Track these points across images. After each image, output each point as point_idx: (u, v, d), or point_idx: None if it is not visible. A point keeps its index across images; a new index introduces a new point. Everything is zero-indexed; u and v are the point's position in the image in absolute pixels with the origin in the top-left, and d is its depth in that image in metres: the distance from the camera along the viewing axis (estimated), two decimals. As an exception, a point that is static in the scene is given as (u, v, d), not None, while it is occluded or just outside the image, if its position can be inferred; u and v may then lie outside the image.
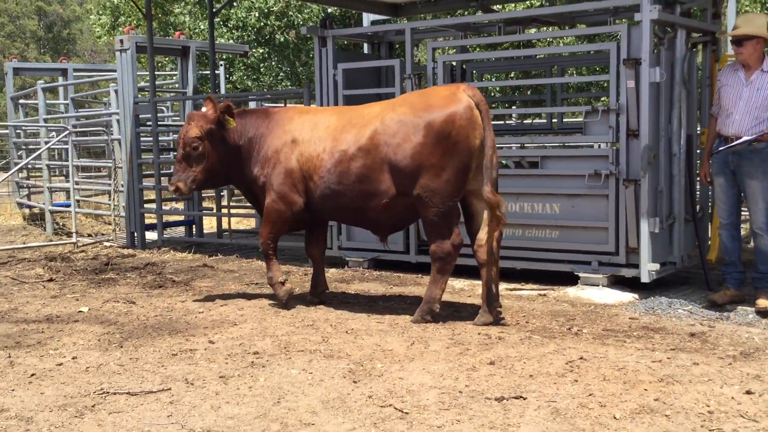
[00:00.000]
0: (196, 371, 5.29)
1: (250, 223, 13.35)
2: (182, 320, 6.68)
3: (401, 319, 6.70)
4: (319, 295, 7.45)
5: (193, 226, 11.39)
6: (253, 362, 5.47)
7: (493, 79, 12.80)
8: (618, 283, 7.75)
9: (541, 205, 7.98)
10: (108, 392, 4.88)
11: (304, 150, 7.00)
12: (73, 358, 5.61)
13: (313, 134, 7.01)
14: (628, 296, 7.49)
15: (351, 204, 6.88)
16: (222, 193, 11.13)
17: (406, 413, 4.54)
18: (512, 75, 15.90)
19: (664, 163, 7.59)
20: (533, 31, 10.04)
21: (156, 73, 11.98)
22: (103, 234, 12.26)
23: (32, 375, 5.24)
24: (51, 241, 11.28)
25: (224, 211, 11.03)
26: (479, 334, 6.21)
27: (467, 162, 6.50)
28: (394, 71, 8.71)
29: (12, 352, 5.78)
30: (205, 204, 13.52)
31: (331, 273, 8.87)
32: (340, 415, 4.52)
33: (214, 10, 11.99)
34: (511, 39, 9.09)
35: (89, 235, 11.85)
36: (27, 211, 14.76)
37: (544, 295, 7.67)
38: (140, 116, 10.61)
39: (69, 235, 11.34)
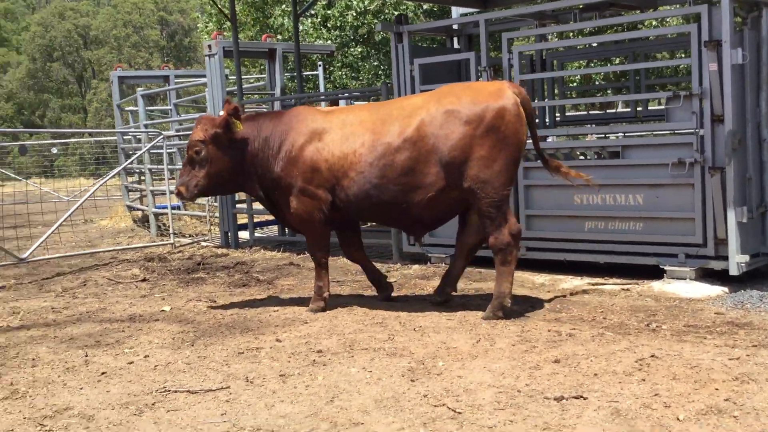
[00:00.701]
0: (257, 370, 5.36)
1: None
2: (256, 319, 6.80)
3: (472, 316, 6.61)
4: (384, 291, 7.46)
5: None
6: (314, 361, 5.50)
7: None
8: (707, 276, 7.41)
9: (623, 196, 7.71)
10: (169, 390, 5.01)
11: (334, 149, 6.83)
12: (144, 357, 5.79)
13: (343, 131, 6.88)
14: (717, 290, 7.15)
15: (393, 199, 6.74)
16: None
17: (459, 413, 4.47)
18: (593, 63, 15.41)
19: (753, 149, 7.21)
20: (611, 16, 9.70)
21: (248, 76, 12.22)
22: (203, 234, 12.63)
23: (103, 373, 5.44)
24: (153, 242, 11.70)
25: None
26: (549, 331, 6.05)
27: (516, 155, 6.63)
28: (470, 65, 8.59)
29: (90, 351, 6.02)
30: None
31: (412, 270, 8.86)
32: (391, 414, 4.49)
33: (298, 11, 12.14)
34: (589, 25, 8.78)
35: (190, 236, 12.22)
36: (138, 213, 15.35)
37: (627, 289, 7.41)
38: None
39: (174, 235, 11.73)
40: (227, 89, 11.35)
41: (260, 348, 5.87)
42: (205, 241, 11.75)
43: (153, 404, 4.79)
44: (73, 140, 27.05)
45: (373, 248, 10.38)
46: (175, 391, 4.99)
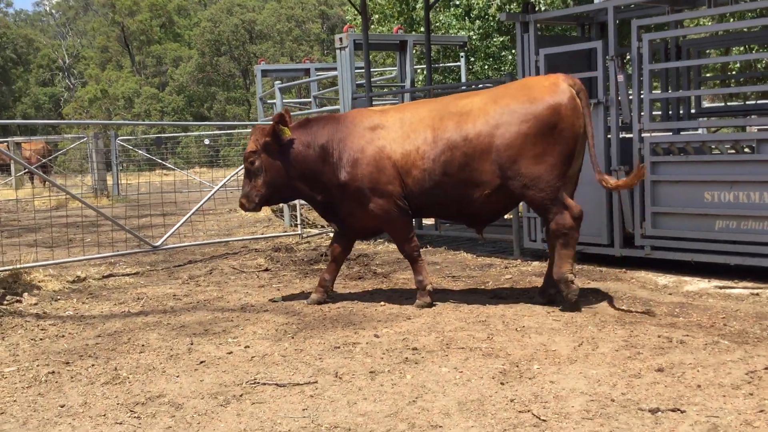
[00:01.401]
0: (349, 365, 5.34)
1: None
2: (360, 313, 6.79)
3: (580, 317, 6.34)
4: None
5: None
6: (407, 358, 5.43)
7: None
8: None
9: (758, 194, 7.14)
10: (259, 382, 5.06)
11: (396, 147, 6.80)
12: (245, 347, 5.89)
13: (402, 129, 6.85)
14: None
15: (454, 196, 6.77)
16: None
17: (543, 420, 4.28)
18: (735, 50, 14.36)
19: None
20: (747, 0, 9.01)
21: (382, 69, 12.23)
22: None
23: (201, 362, 5.57)
24: (285, 232, 11.94)
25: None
26: (659, 336, 5.70)
27: (572, 149, 6.64)
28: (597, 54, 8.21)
29: (196, 339, 6.18)
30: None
31: (531, 266, 8.61)
32: (472, 418, 4.35)
33: (430, 2, 12.02)
34: (727, 10, 8.19)
35: (321, 227, 12.40)
36: (278, 203, 15.67)
37: (757, 294, 6.88)
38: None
39: (302, 226, 11.93)
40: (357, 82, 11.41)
41: (357, 343, 5.85)
42: (333, 232, 11.84)
43: (240, 396, 4.85)
44: (235, 131, 28.09)
45: (494, 243, 10.20)
46: (264, 384, 5.04)
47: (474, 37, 17.71)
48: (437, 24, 18.01)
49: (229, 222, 14.63)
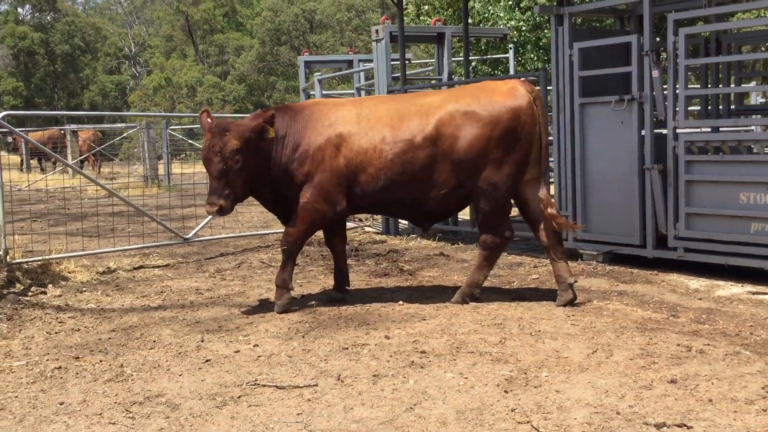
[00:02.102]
0: (353, 368, 5.23)
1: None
2: (376, 312, 6.67)
3: (600, 322, 6.13)
4: (342, 291, 7.32)
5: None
6: (413, 362, 5.30)
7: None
8: None
9: (796, 195, 6.82)
10: (259, 384, 4.99)
11: (352, 143, 6.70)
12: (253, 346, 5.83)
13: (360, 126, 6.73)
14: None
15: (410, 195, 6.76)
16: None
17: (541, 432, 4.12)
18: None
19: None
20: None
21: (424, 60, 12.04)
22: (371, 219, 12.65)
23: (207, 361, 5.52)
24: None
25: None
26: (678, 345, 5.47)
27: (528, 156, 6.73)
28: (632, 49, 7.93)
29: (207, 336, 6.14)
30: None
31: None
32: (468, 428, 4.22)
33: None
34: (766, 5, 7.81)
35: (359, 220, 12.31)
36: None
37: (792, 301, 6.58)
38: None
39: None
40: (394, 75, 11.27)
41: (366, 344, 5.74)
42: (368, 226, 11.79)
43: (238, 397, 4.78)
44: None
45: (527, 241, 9.99)
46: (264, 386, 4.96)
47: (524, 28, 17.38)
48: (485, 15, 17.71)
49: (268, 214, 14.61)
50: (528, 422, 4.26)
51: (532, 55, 17.64)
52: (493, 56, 17.46)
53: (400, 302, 6.98)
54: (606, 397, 4.58)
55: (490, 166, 6.59)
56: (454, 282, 7.82)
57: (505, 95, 6.64)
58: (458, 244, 10.09)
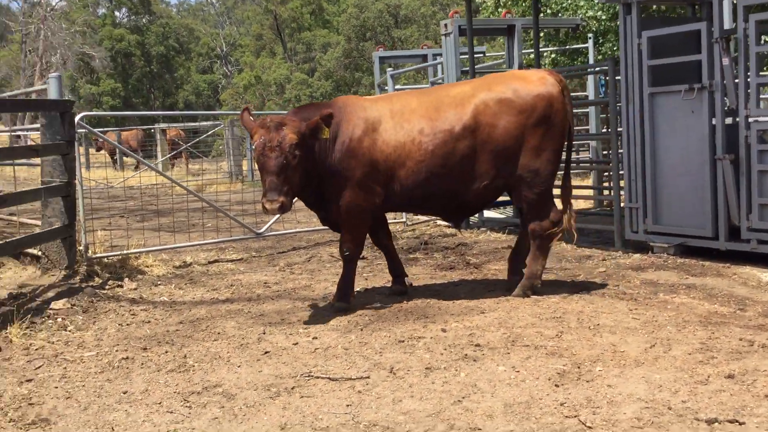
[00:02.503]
0: (406, 360, 5.28)
1: (577, 204, 12.79)
2: (436, 306, 6.69)
3: (663, 316, 6.01)
4: (401, 283, 7.28)
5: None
6: (466, 355, 5.31)
7: None
8: None
9: None
10: (312, 376, 5.08)
11: (389, 137, 6.57)
12: (312, 339, 5.93)
13: (395, 120, 6.62)
14: None
15: (451, 187, 6.67)
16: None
17: (589, 427, 4.11)
18: None
19: None
20: None
21: (491, 53, 11.96)
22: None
23: (266, 353, 5.64)
24: (394, 219, 11.91)
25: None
26: (740, 339, 5.33)
27: (563, 144, 6.82)
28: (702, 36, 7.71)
29: (269, 328, 6.27)
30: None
31: (630, 259, 8.25)
32: (514, 421, 4.22)
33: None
34: None
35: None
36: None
37: None
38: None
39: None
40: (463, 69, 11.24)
41: (421, 337, 5.77)
42: (440, 220, 11.78)
43: (292, 389, 4.89)
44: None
45: (599, 233, 9.85)
46: (317, 377, 5.05)
47: (603, 18, 17.05)
48: (563, 5, 17.45)
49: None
50: (576, 416, 4.24)
51: (611, 44, 17.30)
52: (572, 47, 17.21)
53: (462, 295, 6.98)
54: (659, 392, 4.51)
55: (528, 154, 6.60)
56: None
57: (536, 83, 6.66)
58: (528, 237, 10.00)
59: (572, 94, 18.50)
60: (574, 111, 16.66)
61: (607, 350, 5.27)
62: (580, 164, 13.76)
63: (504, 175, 6.69)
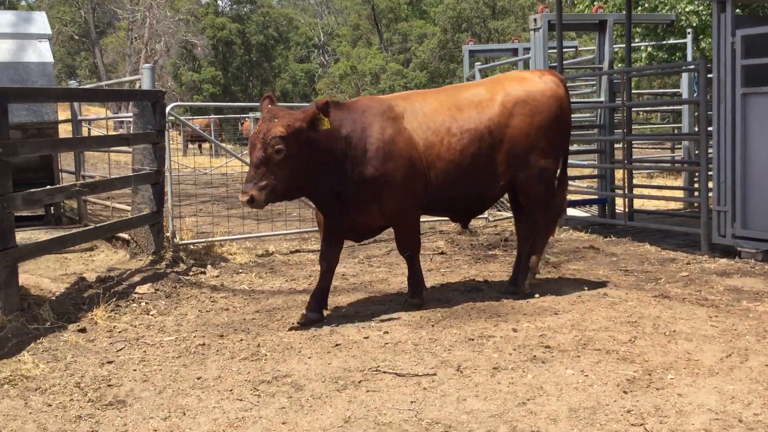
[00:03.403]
0: (474, 359, 5.27)
1: (659, 204, 12.51)
2: (509, 305, 6.65)
3: (743, 325, 5.83)
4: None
5: (605, 205, 11.07)
6: (535, 356, 5.27)
7: None
8: None
9: None
10: (380, 370, 5.13)
11: (418, 138, 6.40)
12: (383, 333, 5.97)
13: (419, 120, 6.45)
14: None
15: (473, 189, 6.65)
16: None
17: (654, 436, 4.03)
18: None
19: None
20: None
21: (583, 48, 11.77)
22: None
23: (336, 345, 5.72)
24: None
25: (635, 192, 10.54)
26: (826, 352, 5.13)
27: (568, 141, 7.11)
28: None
29: (342, 321, 6.35)
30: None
31: (716, 264, 8.02)
32: (578, 427, 4.18)
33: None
34: None
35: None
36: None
37: None
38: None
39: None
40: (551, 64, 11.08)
41: (491, 336, 5.75)
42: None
43: (359, 382, 4.94)
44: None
45: (685, 236, 9.60)
46: (384, 372, 5.09)
47: (703, 13, 16.53)
48: (663, 0, 16.98)
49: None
50: (642, 425, 4.17)
51: (710, 40, 16.75)
52: (669, 42, 16.75)
53: (536, 295, 6.91)
54: (731, 403, 4.39)
55: (541, 153, 6.70)
56: (598, 276, 7.66)
57: (547, 83, 6.79)
58: (610, 237, 9.82)
59: (666, 91, 18.13)
60: (666, 109, 16.39)
61: (681, 358, 5.15)
62: (662, 163, 13.43)
63: (516, 174, 6.70)
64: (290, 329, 6.15)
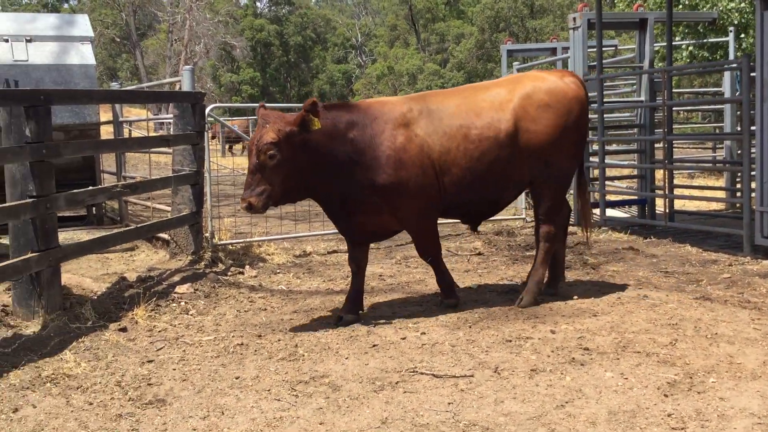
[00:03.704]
0: (511, 361, 5.25)
1: (700, 205, 12.33)
2: (547, 306, 6.60)
3: (788, 328, 5.73)
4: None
5: (645, 206, 10.95)
6: (574, 359, 5.23)
7: None
8: None
9: None
10: (417, 371, 5.12)
11: (432, 142, 6.23)
12: (421, 334, 5.96)
13: (434, 124, 6.27)
14: None
15: (489, 195, 6.53)
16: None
17: (695, 441, 3.98)
18: None
19: None
20: None
21: (622, 47, 11.66)
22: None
23: (374, 345, 5.72)
24: (515, 215, 11.81)
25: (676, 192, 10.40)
26: None
27: (585, 142, 7.10)
28: None
29: (379, 322, 6.35)
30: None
31: (759, 265, 7.94)
32: (617, 430, 4.14)
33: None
34: None
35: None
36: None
37: None
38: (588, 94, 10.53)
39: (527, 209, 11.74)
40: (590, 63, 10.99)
41: (529, 338, 5.72)
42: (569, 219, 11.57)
43: (396, 383, 4.94)
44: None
45: (727, 237, 9.46)
46: (422, 373, 5.09)
47: (746, 11, 16.27)
48: (703, -3, 16.77)
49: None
50: (683, 429, 4.12)
51: (752, 38, 16.50)
52: (711, 40, 16.53)
53: (575, 296, 6.86)
54: (775, 408, 4.32)
55: (563, 155, 6.58)
56: (638, 278, 7.58)
57: (568, 84, 6.65)
58: (650, 238, 9.71)
59: (708, 90, 17.88)
60: (708, 108, 16.16)
61: (723, 361, 5.08)
62: (704, 163, 13.24)
63: (534, 176, 6.57)
64: (327, 330, 6.17)
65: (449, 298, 6.73)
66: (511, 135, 6.38)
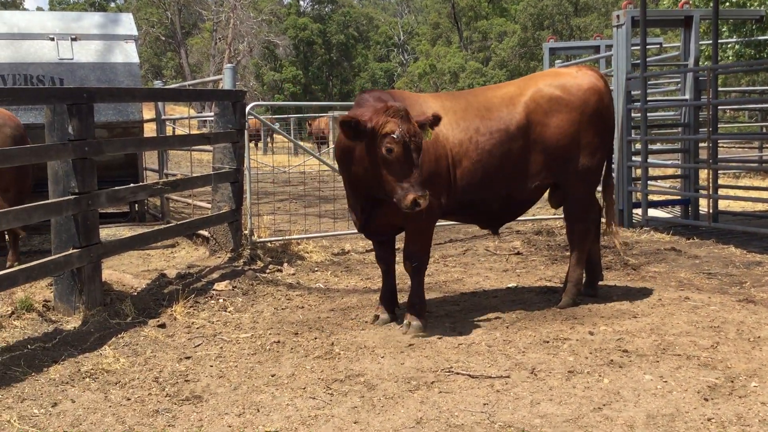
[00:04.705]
0: (549, 362, 5.20)
1: (745, 205, 12.08)
2: (586, 307, 6.52)
3: (834, 332, 5.59)
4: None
5: (689, 206, 10.78)
6: (612, 360, 5.16)
7: None
8: None
9: None
10: (453, 371, 5.10)
11: (448, 135, 6.10)
12: (458, 334, 5.93)
13: (447, 117, 6.10)
14: None
15: (502, 191, 6.34)
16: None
17: (735, 446, 3.91)
18: None
19: None
20: None
21: (667, 45, 11.49)
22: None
23: (410, 345, 5.68)
24: (554, 215, 11.69)
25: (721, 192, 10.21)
26: None
27: (611, 138, 6.81)
28: None
29: (413, 321, 6.31)
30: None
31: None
32: (655, 434, 4.08)
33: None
34: None
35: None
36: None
37: None
38: (631, 92, 10.39)
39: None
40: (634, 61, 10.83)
41: (567, 339, 5.66)
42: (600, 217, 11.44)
43: (432, 383, 4.92)
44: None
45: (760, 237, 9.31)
46: (457, 373, 5.06)
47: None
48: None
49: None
50: (721, 433, 4.05)
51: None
52: (758, 38, 16.21)
53: (614, 297, 6.77)
54: (818, 413, 4.22)
55: (584, 152, 6.45)
56: (679, 280, 7.46)
57: (585, 78, 6.55)
58: (693, 239, 9.54)
59: (755, 88, 17.55)
60: (755, 107, 15.86)
61: (766, 365, 4.98)
62: (750, 163, 13.00)
63: (555, 174, 6.45)
64: (364, 329, 6.17)
65: (419, 318, 6.09)
66: (522, 128, 6.30)
